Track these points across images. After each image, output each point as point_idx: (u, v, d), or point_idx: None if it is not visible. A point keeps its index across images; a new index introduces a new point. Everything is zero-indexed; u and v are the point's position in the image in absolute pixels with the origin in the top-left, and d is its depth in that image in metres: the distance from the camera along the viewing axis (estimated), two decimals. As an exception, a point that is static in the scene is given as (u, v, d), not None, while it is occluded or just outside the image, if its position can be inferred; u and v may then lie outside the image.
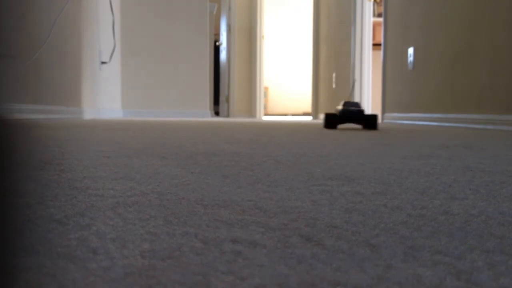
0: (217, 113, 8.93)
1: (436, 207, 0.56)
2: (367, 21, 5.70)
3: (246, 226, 0.46)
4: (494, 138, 1.93)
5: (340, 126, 3.07)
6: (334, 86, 6.56)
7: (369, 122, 2.77)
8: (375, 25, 5.93)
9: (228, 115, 8.32)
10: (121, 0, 5.98)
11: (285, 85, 9.96)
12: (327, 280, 0.32)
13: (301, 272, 0.33)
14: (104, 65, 5.29)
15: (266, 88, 9.58)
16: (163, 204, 0.56)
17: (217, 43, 8.82)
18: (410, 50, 4.15)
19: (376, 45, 5.86)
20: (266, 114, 9.49)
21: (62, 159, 0.99)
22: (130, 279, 0.32)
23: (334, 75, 6.56)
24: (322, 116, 7.16)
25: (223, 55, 8.54)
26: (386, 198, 0.61)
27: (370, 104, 5.76)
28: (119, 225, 0.46)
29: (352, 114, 2.78)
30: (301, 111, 9.85)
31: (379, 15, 6.10)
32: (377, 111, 5.83)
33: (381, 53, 5.08)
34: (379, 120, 5.29)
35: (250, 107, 8.38)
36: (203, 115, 6.14)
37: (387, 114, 4.70)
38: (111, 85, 5.62)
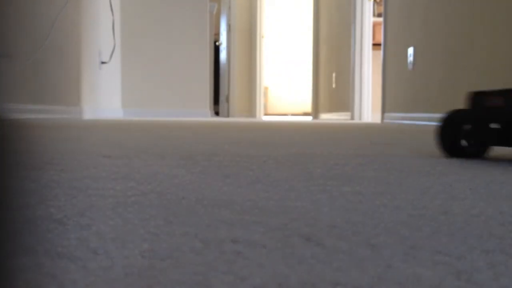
0: (217, 113, 8.92)
1: (436, 207, 0.56)
2: (367, 21, 5.70)
3: (246, 226, 0.46)
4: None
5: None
6: (334, 86, 6.56)
7: None
8: (375, 25, 5.93)
9: (228, 115, 8.32)
10: (121, 0, 5.97)
11: (285, 85, 9.96)
12: (327, 280, 0.32)
13: (301, 272, 0.33)
14: (104, 65, 5.29)
15: (266, 88, 9.58)
16: (163, 204, 0.56)
17: (217, 43, 8.81)
18: (410, 50, 4.15)
19: (376, 45, 5.86)
20: (266, 114, 9.49)
21: (62, 159, 0.99)
22: (130, 279, 0.32)
23: (334, 75, 6.55)
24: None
25: (223, 55, 8.54)
26: (386, 198, 0.61)
27: (370, 104, 5.76)
28: (119, 225, 0.46)
29: None
30: (301, 111, 9.85)
31: (379, 15, 6.09)
32: (377, 111, 5.83)
33: (381, 53, 5.08)
34: (379, 120, 5.28)
35: (250, 107, 8.38)
36: (203, 115, 6.14)
37: (387, 114, 4.70)
38: (111, 85, 5.62)
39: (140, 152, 1.19)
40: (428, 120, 3.80)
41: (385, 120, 4.75)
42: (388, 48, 4.71)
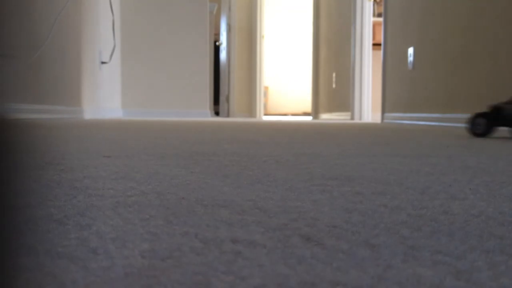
0: (217, 113, 8.92)
1: (436, 207, 0.56)
2: (367, 21, 5.70)
3: (246, 226, 0.46)
4: (494, 138, 1.93)
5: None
6: (334, 86, 6.56)
7: None
8: (375, 25, 5.93)
9: (228, 115, 8.32)
10: (121, 0, 5.97)
11: (285, 85, 9.96)
12: (327, 280, 0.32)
13: (301, 272, 0.33)
14: (104, 65, 5.29)
15: (266, 88, 9.58)
16: (163, 204, 0.56)
17: (217, 43, 8.81)
18: (410, 50, 4.15)
19: (376, 45, 5.86)
20: (266, 114, 9.49)
21: (62, 159, 0.99)
22: (130, 279, 0.32)
23: (334, 75, 6.55)
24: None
25: (223, 55, 8.54)
26: (386, 198, 0.61)
27: (370, 104, 5.76)
28: (119, 225, 0.46)
29: None
30: (301, 111, 9.85)
31: (379, 15, 6.09)
32: (377, 111, 5.83)
33: (381, 53, 5.08)
34: (379, 120, 5.28)
35: (250, 107, 8.38)
36: (203, 115, 6.14)
37: (387, 114, 4.70)
38: (111, 85, 5.62)
39: (140, 152, 1.19)
40: (428, 120, 3.80)
41: (385, 120, 4.75)
42: (388, 48, 4.71)
